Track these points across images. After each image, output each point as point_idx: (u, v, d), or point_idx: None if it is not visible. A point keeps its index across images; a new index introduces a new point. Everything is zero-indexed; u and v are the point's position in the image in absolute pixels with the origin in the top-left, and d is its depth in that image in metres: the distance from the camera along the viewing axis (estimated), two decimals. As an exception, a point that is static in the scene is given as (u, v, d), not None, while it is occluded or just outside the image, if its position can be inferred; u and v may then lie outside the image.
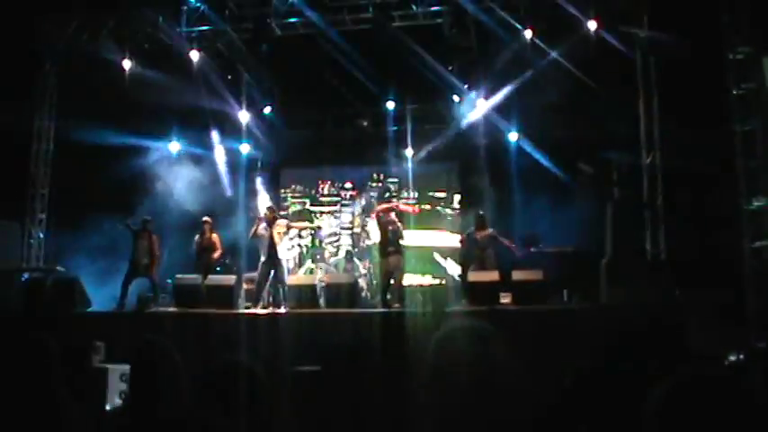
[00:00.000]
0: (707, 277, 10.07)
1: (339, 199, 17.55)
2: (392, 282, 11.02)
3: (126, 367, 3.24)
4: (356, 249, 16.21)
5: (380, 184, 17.10)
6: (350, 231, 17.12)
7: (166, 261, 12.76)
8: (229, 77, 14.81)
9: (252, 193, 15.93)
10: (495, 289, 10.33)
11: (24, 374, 2.79)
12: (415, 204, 15.41)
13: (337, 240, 17.15)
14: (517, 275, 10.48)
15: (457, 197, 16.62)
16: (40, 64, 13.83)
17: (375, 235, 12.67)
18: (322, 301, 11.30)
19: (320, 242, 17.09)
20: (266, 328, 9.55)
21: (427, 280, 15.93)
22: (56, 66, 13.99)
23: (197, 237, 12.06)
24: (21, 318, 10.29)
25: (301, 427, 5.86)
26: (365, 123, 16.25)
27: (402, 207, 12.12)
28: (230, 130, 15.68)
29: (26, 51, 12.97)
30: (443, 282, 15.81)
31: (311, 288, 11.44)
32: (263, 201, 15.39)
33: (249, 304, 11.41)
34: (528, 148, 14.32)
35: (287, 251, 12.18)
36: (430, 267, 16.07)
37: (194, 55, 13.64)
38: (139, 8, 13.36)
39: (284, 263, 11.48)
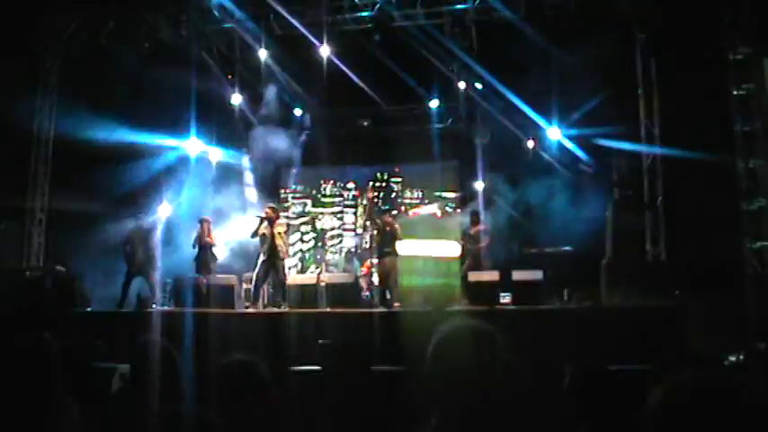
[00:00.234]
0: (707, 278, 10.07)
1: (342, 199, 17.37)
2: (389, 282, 11.15)
3: (126, 367, 3.23)
4: (359, 251, 16.11)
5: (384, 184, 17.05)
6: (353, 233, 16.93)
7: (167, 261, 12.76)
8: (230, 77, 14.78)
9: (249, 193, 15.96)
10: (495, 289, 10.34)
11: (23, 374, 2.79)
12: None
13: (340, 242, 16.98)
14: (517, 275, 10.49)
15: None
16: (41, 63, 13.82)
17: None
18: (322, 300, 11.31)
19: (323, 243, 16.93)
20: (266, 328, 9.55)
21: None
22: (57, 65, 13.98)
23: (195, 235, 12.05)
24: (20, 317, 10.29)
25: (301, 427, 5.86)
26: (366, 123, 16.23)
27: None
28: (231, 129, 15.65)
29: (27, 50, 12.95)
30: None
31: (311, 288, 11.44)
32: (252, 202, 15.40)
33: (249, 304, 11.41)
34: (528, 148, 14.33)
35: (289, 251, 12.13)
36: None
37: (194, 54, 13.64)
38: (140, 7, 13.35)
39: (284, 262, 11.47)
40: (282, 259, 11.29)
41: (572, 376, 3.12)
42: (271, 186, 16.53)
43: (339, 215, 17.24)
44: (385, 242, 11.36)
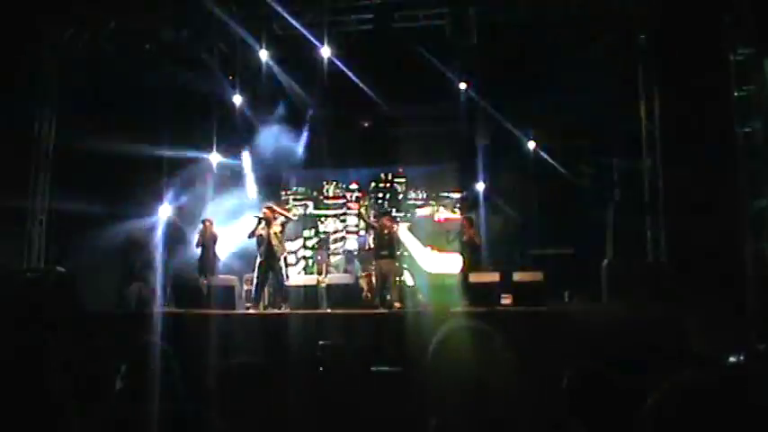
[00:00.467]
0: (707, 279, 10.06)
1: (344, 201, 17.23)
2: (387, 284, 11.19)
3: (125, 367, 3.24)
4: (361, 252, 15.99)
5: (388, 185, 16.96)
6: (356, 235, 16.69)
7: (169, 261, 12.75)
8: (230, 77, 14.77)
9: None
10: (495, 290, 10.35)
11: (23, 375, 2.78)
12: None
13: (343, 245, 16.82)
14: (518, 276, 10.51)
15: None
16: (42, 64, 13.81)
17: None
18: (323, 301, 11.31)
19: (326, 246, 16.59)
20: (267, 329, 9.55)
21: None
22: (57, 66, 13.97)
23: (197, 236, 12.05)
24: (21, 318, 10.29)
25: (302, 427, 5.86)
26: (366, 124, 16.21)
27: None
28: (231, 130, 15.62)
29: (27, 51, 12.94)
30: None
31: (312, 289, 11.45)
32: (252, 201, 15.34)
33: (249, 305, 11.41)
34: (529, 149, 14.33)
35: (288, 251, 12.10)
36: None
37: (194, 55, 13.63)
38: (140, 8, 13.35)
39: (282, 262, 11.47)
40: (279, 260, 11.30)
41: (571, 377, 3.12)
42: (271, 188, 16.49)
43: (342, 217, 17.10)
44: (382, 245, 11.41)
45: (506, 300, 10.42)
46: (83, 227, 13.17)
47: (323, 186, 17.38)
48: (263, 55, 13.87)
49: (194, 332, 9.25)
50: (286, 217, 11.75)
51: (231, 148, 15.85)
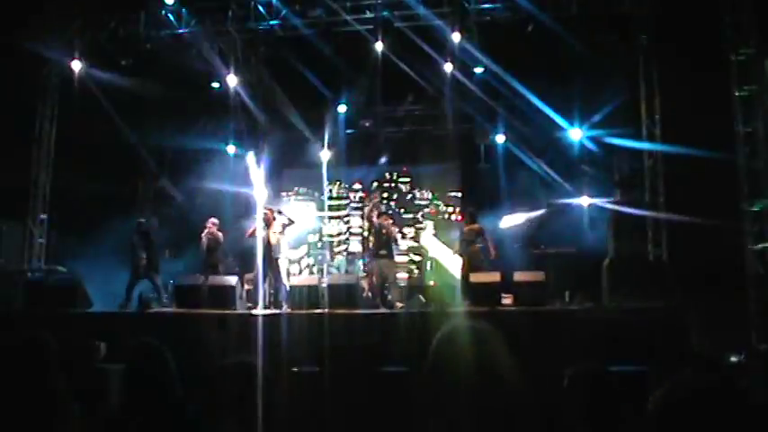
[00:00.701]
0: (708, 278, 10.06)
1: (348, 202, 17.07)
2: (387, 284, 11.20)
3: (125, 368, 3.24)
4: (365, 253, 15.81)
5: (393, 184, 16.90)
6: (360, 237, 16.25)
7: (171, 262, 12.77)
8: (231, 77, 14.75)
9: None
10: (496, 290, 10.33)
11: (25, 374, 2.79)
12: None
13: (346, 248, 16.66)
14: (519, 276, 10.49)
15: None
16: (42, 64, 13.83)
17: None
18: (323, 301, 11.30)
19: (330, 250, 16.50)
20: (267, 329, 9.54)
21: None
22: (58, 66, 13.99)
23: (203, 237, 12.04)
24: (22, 318, 10.30)
25: (302, 428, 5.85)
26: (367, 124, 16.20)
27: None
28: (232, 130, 15.62)
29: (28, 52, 12.95)
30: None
31: (313, 289, 11.44)
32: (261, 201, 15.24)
33: (250, 305, 11.40)
34: (530, 149, 14.31)
35: (287, 252, 12.06)
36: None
37: (195, 55, 13.62)
38: (140, 9, 13.36)
39: (282, 263, 11.46)
40: (279, 259, 11.29)
41: (572, 377, 3.12)
42: (271, 187, 16.45)
43: (346, 219, 16.95)
44: (380, 244, 11.42)
45: (507, 299, 10.41)
46: (84, 228, 13.19)
47: (325, 186, 16.92)
48: (264, 55, 13.88)
49: (195, 332, 9.24)
50: (290, 220, 11.73)
51: (235, 145, 15.84)
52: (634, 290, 9.67)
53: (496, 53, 12.95)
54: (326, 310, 10.76)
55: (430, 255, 15.75)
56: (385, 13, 12.92)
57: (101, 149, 13.16)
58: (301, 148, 16.18)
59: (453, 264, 14.28)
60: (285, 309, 10.81)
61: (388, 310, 10.55)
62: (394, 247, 11.77)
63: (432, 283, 13.29)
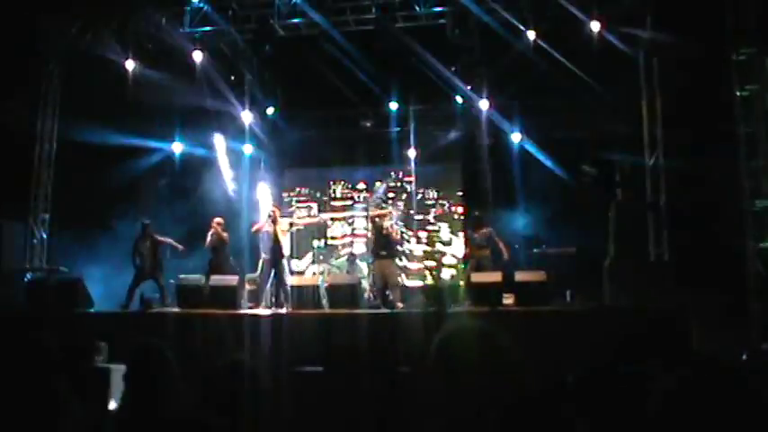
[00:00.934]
0: (710, 278, 10.06)
1: (352, 202, 16.84)
2: (388, 284, 11.21)
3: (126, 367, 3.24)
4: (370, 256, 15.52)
5: (399, 184, 16.80)
6: (364, 239, 16.04)
7: (173, 262, 12.77)
8: (233, 78, 14.77)
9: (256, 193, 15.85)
10: (497, 290, 10.33)
11: (26, 375, 2.79)
12: None
13: (351, 247, 16.45)
14: (520, 276, 10.50)
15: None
16: (43, 64, 13.83)
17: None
18: (325, 301, 11.31)
19: (334, 252, 16.37)
20: (269, 329, 9.55)
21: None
22: (59, 66, 14.00)
23: (208, 237, 12.04)
24: (23, 318, 10.31)
25: (304, 428, 5.86)
26: (368, 124, 16.18)
27: None
28: (233, 130, 15.60)
29: (29, 51, 12.96)
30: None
31: (314, 289, 11.45)
32: (266, 201, 15.20)
33: (252, 305, 11.41)
34: (531, 149, 14.30)
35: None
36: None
37: (197, 55, 13.60)
38: (142, 9, 13.36)
39: (285, 262, 11.46)
40: (284, 258, 11.29)
41: (575, 377, 3.12)
42: (272, 188, 16.41)
43: (350, 220, 16.75)
44: (380, 244, 11.43)
45: (508, 299, 10.41)
46: (86, 228, 13.20)
47: (329, 187, 17.01)
48: (264, 54, 13.87)
49: (196, 332, 9.25)
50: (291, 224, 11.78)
51: (233, 147, 15.82)
52: (635, 290, 9.67)
53: (497, 54, 12.96)
54: (328, 310, 10.77)
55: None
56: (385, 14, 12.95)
57: (102, 149, 13.14)
58: (304, 148, 16.14)
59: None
60: (287, 309, 10.82)
61: (389, 311, 10.56)
62: (395, 246, 11.78)
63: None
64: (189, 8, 13.50)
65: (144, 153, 14.66)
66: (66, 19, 13.34)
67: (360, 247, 16.27)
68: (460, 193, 16.29)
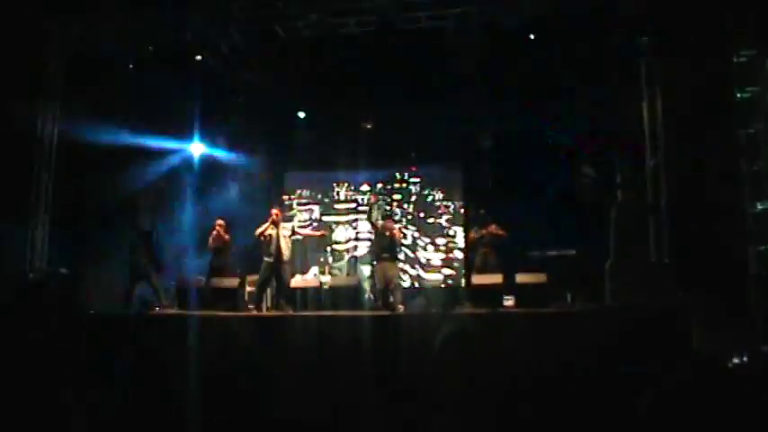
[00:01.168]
0: (711, 280, 10.05)
1: (355, 206, 16.75)
2: (390, 286, 11.22)
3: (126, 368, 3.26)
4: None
5: (404, 185, 16.78)
6: (368, 242, 15.51)
7: (174, 263, 12.78)
8: (233, 77, 14.77)
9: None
10: (498, 291, 10.34)
11: (27, 375, 2.80)
12: None
13: (355, 251, 16.41)
14: (521, 278, 10.52)
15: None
16: (45, 65, 13.83)
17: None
18: (325, 303, 11.32)
19: (339, 254, 16.34)
20: (270, 330, 9.55)
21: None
22: (61, 67, 14.00)
23: (211, 239, 12.07)
24: (24, 320, 10.31)
25: (306, 428, 5.86)
26: (369, 126, 16.17)
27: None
28: (234, 130, 15.61)
29: (31, 52, 12.96)
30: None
31: (315, 290, 11.46)
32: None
33: (253, 306, 11.41)
34: (531, 149, 14.31)
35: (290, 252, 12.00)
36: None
37: (198, 57, 13.62)
38: (145, 10, 13.37)
39: (287, 265, 11.46)
40: (286, 262, 11.29)
41: (576, 377, 3.13)
42: (273, 191, 16.40)
43: (354, 224, 16.67)
44: (383, 247, 11.43)
45: (509, 301, 10.42)
46: (86, 229, 13.20)
47: (332, 189, 16.94)
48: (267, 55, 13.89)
49: (197, 334, 9.25)
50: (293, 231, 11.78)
51: (236, 149, 15.83)
52: (636, 291, 9.67)
53: (499, 54, 12.96)
54: (329, 312, 10.78)
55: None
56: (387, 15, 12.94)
57: (103, 150, 13.14)
58: (304, 150, 16.10)
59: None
60: (287, 311, 10.82)
61: (390, 313, 10.56)
62: (398, 249, 11.80)
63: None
64: (191, 9, 13.49)
65: (146, 154, 14.66)
66: (67, 19, 13.35)
67: (363, 251, 16.22)
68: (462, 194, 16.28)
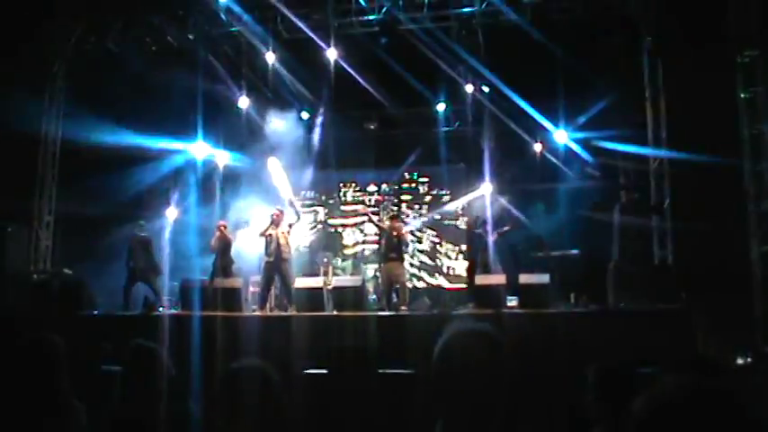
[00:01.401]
0: (714, 281, 10.04)
1: (363, 206, 16.58)
2: (396, 286, 11.20)
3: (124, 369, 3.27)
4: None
5: (413, 185, 16.71)
6: (376, 244, 15.08)
7: (175, 264, 12.78)
8: (237, 80, 14.78)
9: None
10: (501, 292, 10.33)
11: (30, 376, 2.80)
12: None
13: (362, 252, 16.25)
14: (524, 279, 10.48)
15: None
16: (49, 66, 13.86)
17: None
18: (329, 304, 11.30)
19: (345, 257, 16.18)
20: (273, 331, 9.55)
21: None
22: (64, 68, 14.03)
23: (213, 240, 12.08)
24: (27, 320, 10.32)
25: (308, 429, 5.86)
26: (372, 126, 16.15)
27: None
28: (234, 131, 15.60)
29: (34, 53, 12.99)
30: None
31: (318, 291, 11.44)
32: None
33: (256, 307, 11.41)
34: (535, 151, 14.30)
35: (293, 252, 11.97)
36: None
37: (201, 57, 13.65)
38: (148, 10, 13.39)
39: (289, 264, 11.45)
40: (287, 261, 11.28)
41: (597, 375, 3.12)
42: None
43: (360, 226, 16.52)
44: (390, 247, 11.41)
45: (512, 302, 10.41)
46: (90, 230, 13.21)
47: (339, 189, 16.77)
48: (270, 58, 13.89)
49: (200, 334, 9.25)
50: (297, 215, 11.73)
51: (237, 150, 15.80)
52: (639, 292, 9.66)
53: (500, 54, 12.96)
54: (333, 312, 10.76)
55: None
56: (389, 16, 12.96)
57: (106, 151, 13.15)
58: (308, 149, 16.06)
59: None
60: (290, 311, 10.81)
61: (393, 313, 10.55)
62: (404, 249, 11.78)
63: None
64: (193, 9, 13.52)
65: (148, 155, 14.66)
66: (70, 20, 13.37)
67: (367, 252, 16.12)
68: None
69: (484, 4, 12.67)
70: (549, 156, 14.13)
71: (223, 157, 15.61)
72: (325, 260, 15.10)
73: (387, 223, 11.77)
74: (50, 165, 14.05)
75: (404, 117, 15.64)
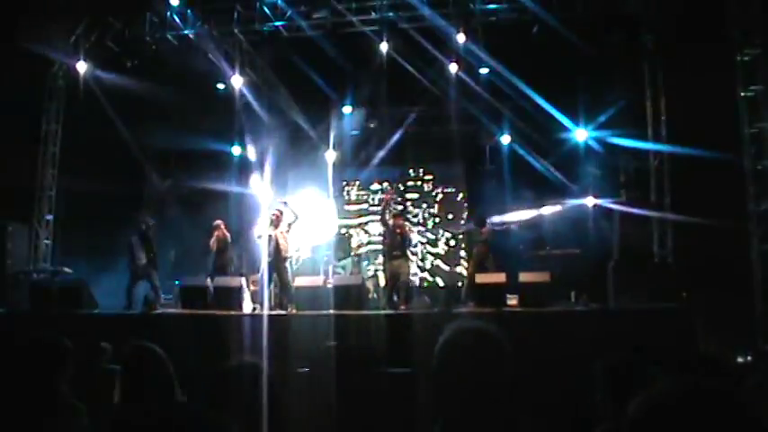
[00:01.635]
0: (714, 279, 10.04)
1: (368, 206, 16.54)
2: (397, 284, 11.18)
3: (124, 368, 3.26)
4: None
5: (418, 182, 16.64)
6: (381, 245, 14.43)
7: (176, 263, 12.77)
8: (236, 78, 14.75)
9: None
10: (501, 290, 10.32)
11: (31, 375, 2.80)
12: None
13: (365, 252, 15.99)
14: (524, 277, 10.48)
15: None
16: (48, 66, 13.86)
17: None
18: (329, 302, 11.29)
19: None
20: (272, 330, 9.54)
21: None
22: (65, 67, 14.02)
23: (212, 239, 12.10)
24: (27, 319, 10.33)
25: (308, 429, 5.85)
26: (372, 125, 16.14)
27: None
28: (234, 131, 15.59)
29: (34, 53, 12.99)
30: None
31: (318, 290, 11.43)
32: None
33: (256, 306, 11.40)
34: (535, 150, 14.30)
35: (293, 252, 11.95)
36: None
37: (202, 56, 13.64)
38: (146, 11, 13.39)
39: (288, 264, 11.45)
40: (286, 260, 11.28)
41: (606, 367, 3.12)
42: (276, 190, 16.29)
43: (365, 226, 16.45)
44: (394, 245, 11.41)
45: (512, 300, 10.40)
46: (90, 229, 13.21)
47: (343, 189, 16.66)
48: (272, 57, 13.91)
49: (200, 333, 9.26)
50: (295, 216, 11.69)
51: (238, 145, 15.76)
52: (639, 291, 9.65)
53: (501, 54, 12.94)
54: (332, 311, 10.76)
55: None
56: (390, 14, 12.93)
57: (106, 150, 13.16)
58: (308, 148, 16.01)
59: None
60: (290, 310, 10.81)
61: (393, 311, 10.55)
62: (408, 246, 11.78)
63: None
64: (192, 9, 13.50)
65: (149, 155, 14.67)
66: (70, 21, 13.37)
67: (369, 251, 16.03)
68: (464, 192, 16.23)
69: (486, 4, 12.65)
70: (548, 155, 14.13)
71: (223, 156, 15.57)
72: (326, 258, 15.08)
73: (390, 221, 11.76)
74: (50, 164, 14.05)
75: (402, 117, 15.64)
